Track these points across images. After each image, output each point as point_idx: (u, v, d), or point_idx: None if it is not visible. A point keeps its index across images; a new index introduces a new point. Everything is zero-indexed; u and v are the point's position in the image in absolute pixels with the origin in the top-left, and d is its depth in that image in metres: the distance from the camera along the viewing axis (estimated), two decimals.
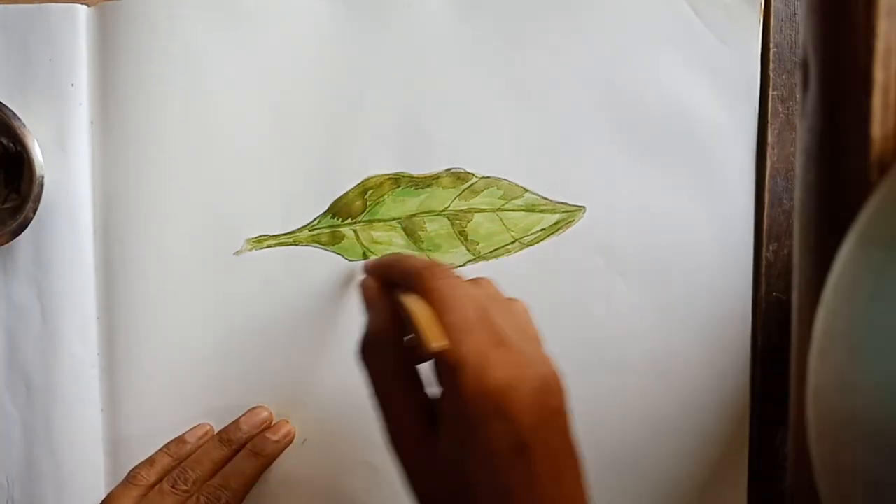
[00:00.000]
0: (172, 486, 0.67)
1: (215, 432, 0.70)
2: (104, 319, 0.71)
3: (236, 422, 0.70)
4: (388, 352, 0.54)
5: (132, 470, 0.68)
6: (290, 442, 0.71)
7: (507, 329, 0.51)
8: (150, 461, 0.69)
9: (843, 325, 0.34)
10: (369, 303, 0.58)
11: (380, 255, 0.65)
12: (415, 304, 0.51)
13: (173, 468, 0.69)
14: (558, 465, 0.49)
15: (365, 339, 0.55)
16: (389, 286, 0.57)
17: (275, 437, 0.70)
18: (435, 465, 0.50)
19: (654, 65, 0.68)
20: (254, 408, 0.70)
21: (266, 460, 0.69)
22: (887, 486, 0.31)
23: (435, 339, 0.48)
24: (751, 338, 0.68)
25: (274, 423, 0.71)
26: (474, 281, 0.56)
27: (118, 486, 0.68)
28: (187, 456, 0.69)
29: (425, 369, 0.53)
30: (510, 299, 0.56)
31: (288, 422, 0.71)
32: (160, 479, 0.68)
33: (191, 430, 0.71)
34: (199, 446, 0.70)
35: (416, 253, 0.69)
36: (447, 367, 0.48)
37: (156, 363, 0.70)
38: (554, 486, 0.48)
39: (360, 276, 0.62)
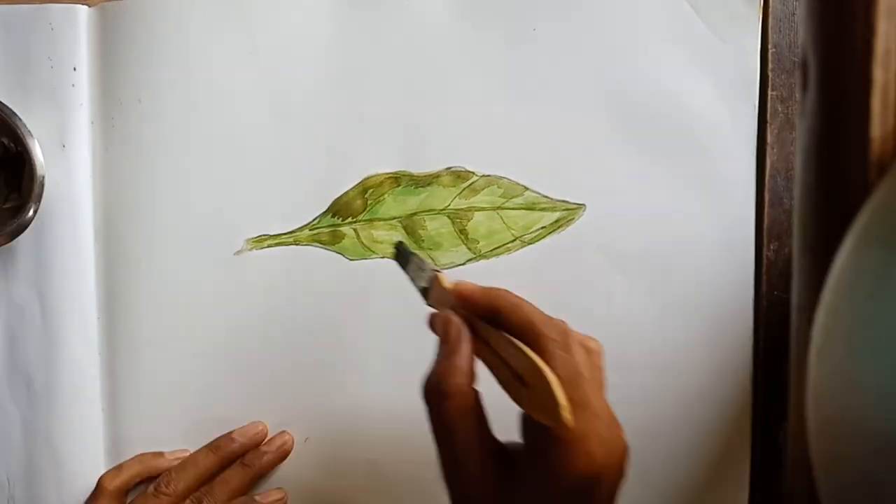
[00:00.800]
0: (155, 490, 0.68)
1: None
2: (104, 319, 0.71)
3: (229, 433, 0.70)
4: (469, 393, 0.51)
5: (100, 477, 0.70)
6: (287, 453, 0.71)
7: (599, 395, 0.51)
8: (118, 467, 0.70)
9: (842, 324, 0.34)
10: (452, 333, 0.52)
11: (464, 282, 0.55)
12: (545, 367, 0.48)
13: (142, 478, 0.70)
14: None
15: (445, 372, 0.51)
16: (474, 316, 0.53)
17: (267, 449, 0.70)
18: (504, 501, 0.50)
19: (654, 63, 0.68)
20: (250, 423, 0.71)
21: (255, 472, 0.69)
22: (887, 485, 0.31)
23: (568, 414, 0.46)
24: (752, 337, 0.68)
25: (272, 434, 0.71)
26: (568, 334, 0.52)
27: (89, 497, 0.70)
28: (160, 469, 0.70)
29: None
30: (588, 342, 0.54)
31: (286, 433, 0.71)
32: (127, 486, 0.70)
33: (171, 451, 0.71)
34: (176, 459, 0.70)
35: (417, 252, 0.69)
36: (557, 438, 0.47)
37: (156, 362, 0.70)
38: None
39: (438, 294, 0.56)
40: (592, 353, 0.53)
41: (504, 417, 0.52)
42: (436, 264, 0.69)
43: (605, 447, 0.48)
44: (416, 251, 0.68)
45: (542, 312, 0.51)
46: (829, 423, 0.34)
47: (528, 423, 0.50)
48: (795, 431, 0.41)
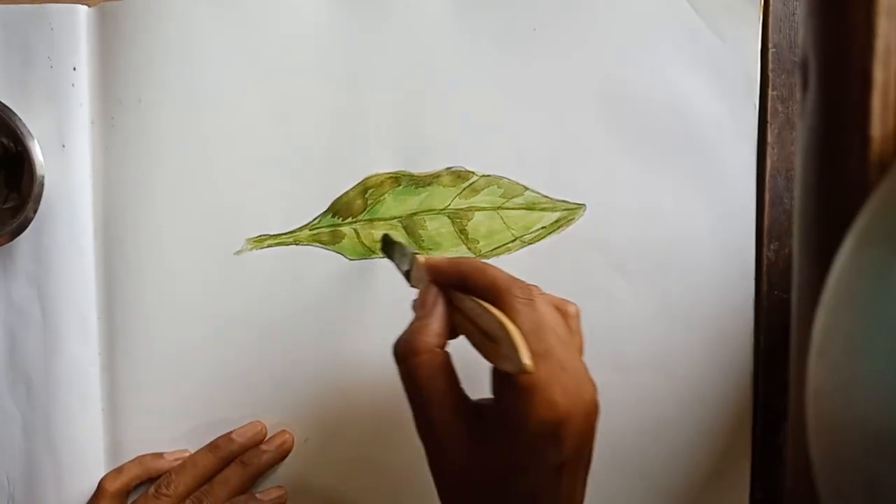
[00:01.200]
0: (156, 491, 0.68)
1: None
2: (104, 319, 0.71)
3: (228, 433, 0.70)
4: (438, 352, 0.54)
5: (100, 479, 0.70)
6: (287, 452, 0.71)
7: (567, 349, 0.53)
8: (118, 469, 0.70)
9: (842, 324, 0.34)
10: (426, 301, 0.57)
11: (437, 256, 0.63)
12: (507, 320, 0.51)
13: (142, 479, 0.70)
14: (580, 477, 0.55)
15: (413, 332, 0.55)
16: (446, 286, 0.57)
17: (267, 448, 0.70)
18: (472, 462, 0.53)
19: (654, 63, 0.68)
20: (249, 422, 0.71)
21: (255, 470, 0.69)
22: (886, 485, 0.31)
23: (527, 359, 0.49)
24: (753, 337, 0.68)
25: (271, 434, 0.71)
26: (535, 293, 0.55)
27: (90, 499, 0.70)
28: (160, 470, 0.70)
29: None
30: (565, 305, 0.57)
31: (286, 432, 0.71)
32: (127, 488, 0.70)
33: (171, 451, 0.71)
34: (175, 460, 0.70)
35: (400, 241, 0.69)
36: (520, 386, 0.50)
37: (156, 362, 0.70)
38: (571, 494, 0.54)
39: (416, 272, 0.60)
40: (569, 316, 0.56)
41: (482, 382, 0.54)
42: None
43: (568, 398, 0.51)
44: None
45: (506, 275, 0.55)
46: (829, 422, 0.34)
47: (496, 376, 0.53)
48: (795, 431, 0.41)
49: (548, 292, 0.56)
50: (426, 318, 0.56)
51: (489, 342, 0.53)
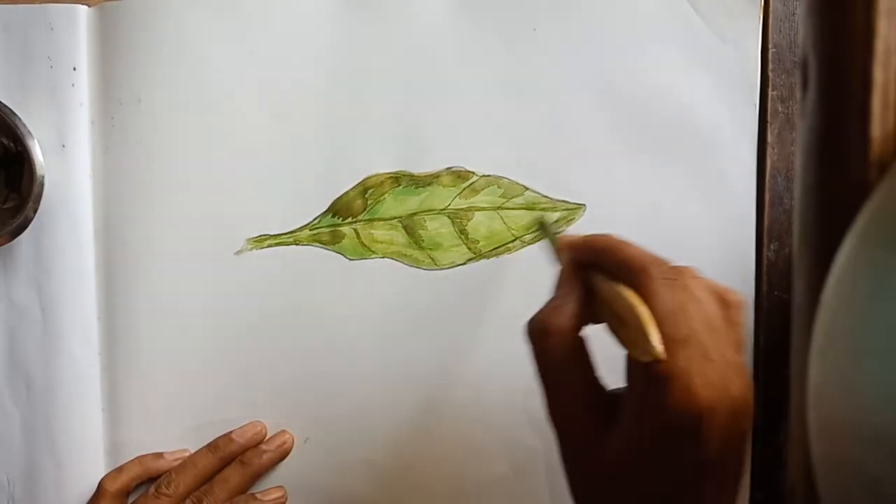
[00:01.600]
0: (156, 491, 0.68)
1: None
2: (105, 319, 0.71)
3: (228, 433, 0.70)
4: (573, 331, 0.51)
5: (101, 479, 0.70)
6: (287, 452, 0.71)
7: (716, 337, 0.48)
8: (118, 469, 0.70)
9: (843, 324, 0.34)
10: (563, 281, 0.53)
11: (574, 236, 0.55)
12: (637, 302, 0.48)
13: (142, 479, 0.70)
14: (726, 483, 0.49)
15: (547, 311, 0.51)
16: (585, 266, 0.53)
17: (267, 448, 0.70)
18: (604, 455, 0.49)
19: (655, 63, 0.68)
20: (249, 422, 0.71)
21: (254, 470, 0.70)
22: (887, 485, 0.31)
23: (657, 345, 0.46)
24: (753, 336, 0.68)
25: (271, 433, 0.71)
26: (686, 275, 0.51)
27: (90, 499, 0.70)
28: (160, 470, 0.70)
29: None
30: (726, 293, 0.51)
31: (286, 432, 0.71)
32: (128, 488, 0.70)
33: (171, 451, 0.71)
34: (176, 460, 0.71)
35: (416, 252, 0.69)
36: (654, 375, 0.46)
37: (156, 362, 0.70)
38: (714, 500, 0.48)
39: (558, 250, 0.56)
40: (730, 305, 0.51)
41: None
42: (436, 264, 0.69)
43: (712, 390, 0.46)
44: (416, 251, 0.68)
45: (644, 253, 0.51)
46: (829, 423, 0.34)
47: (630, 365, 0.49)
48: (796, 431, 0.41)
49: (704, 276, 0.52)
50: (561, 299, 0.51)
51: (620, 326, 0.49)
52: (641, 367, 0.47)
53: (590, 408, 0.50)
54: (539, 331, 0.50)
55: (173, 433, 0.71)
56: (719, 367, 0.47)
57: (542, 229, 0.67)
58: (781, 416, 0.68)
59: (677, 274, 0.49)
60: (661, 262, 0.50)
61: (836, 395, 0.34)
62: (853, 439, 0.33)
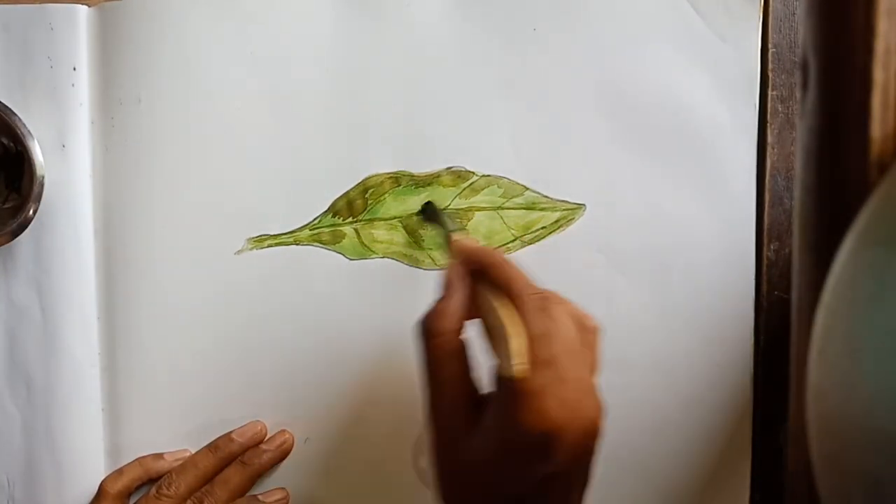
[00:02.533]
0: (157, 492, 0.68)
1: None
2: (105, 319, 0.71)
3: (228, 434, 0.70)
4: (456, 333, 0.55)
5: (101, 481, 0.70)
6: (287, 451, 0.70)
7: (574, 361, 0.52)
8: (119, 471, 0.70)
9: (842, 324, 0.34)
10: (451, 282, 0.57)
11: (470, 239, 0.63)
12: (509, 321, 0.52)
13: (143, 481, 0.70)
14: (575, 494, 0.54)
15: (434, 314, 0.55)
16: (473, 272, 0.57)
17: (267, 448, 0.70)
18: (467, 455, 0.53)
19: (654, 62, 0.68)
20: (249, 422, 0.71)
21: (255, 470, 0.69)
22: (886, 485, 0.31)
23: (516, 365, 0.50)
24: (753, 337, 0.68)
25: (271, 433, 0.71)
26: (553, 300, 0.55)
27: (91, 501, 0.70)
28: (160, 471, 0.70)
29: None
30: (585, 319, 0.55)
31: (286, 431, 0.71)
32: (128, 489, 0.70)
33: (171, 452, 0.71)
34: (176, 461, 0.70)
35: (416, 252, 0.69)
36: (514, 390, 0.50)
37: (156, 362, 0.70)
38: None
39: (450, 248, 0.60)
40: (587, 330, 0.55)
41: None
42: (436, 264, 0.69)
43: (564, 410, 0.50)
44: (416, 251, 0.68)
45: (525, 276, 0.55)
46: (829, 423, 0.34)
47: (494, 374, 0.53)
48: (795, 431, 0.41)
49: (568, 301, 0.55)
50: (447, 300, 0.56)
51: (493, 339, 0.54)
52: (505, 380, 0.51)
53: (461, 408, 0.54)
54: (426, 331, 0.55)
55: (173, 433, 0.71)
56: (574, 389, 0.51)
57: (431, 215, 0.68)
58: (781, 416, 0.68)
59: (545, 301, 0.54)
60: (534, 288, 0.54)
61: (836, 395, 0.34)
62: (853, 439, 0.33)
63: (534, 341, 0.51)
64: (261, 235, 0.69)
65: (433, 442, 0.55)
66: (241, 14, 0.69)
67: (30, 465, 0.71)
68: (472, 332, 0.56)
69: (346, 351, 0.70)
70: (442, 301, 0.56)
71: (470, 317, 0.56)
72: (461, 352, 0.55)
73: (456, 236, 0.60)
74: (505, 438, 0.50)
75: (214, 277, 0.70)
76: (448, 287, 0.57)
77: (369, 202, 0.69)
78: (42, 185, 0.67)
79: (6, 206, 0.69)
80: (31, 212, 0.67)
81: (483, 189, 0.69)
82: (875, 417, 0.31)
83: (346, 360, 0.70)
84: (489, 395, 0.54)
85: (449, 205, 0.69)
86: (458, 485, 0.55)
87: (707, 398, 0.69)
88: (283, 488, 0.70)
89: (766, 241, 0.67)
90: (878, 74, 0.36)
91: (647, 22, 0.68)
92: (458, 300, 0.56)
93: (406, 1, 0.69)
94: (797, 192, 0.41)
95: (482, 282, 0.56)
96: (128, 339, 0.70)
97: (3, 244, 0.68)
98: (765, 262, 0.67)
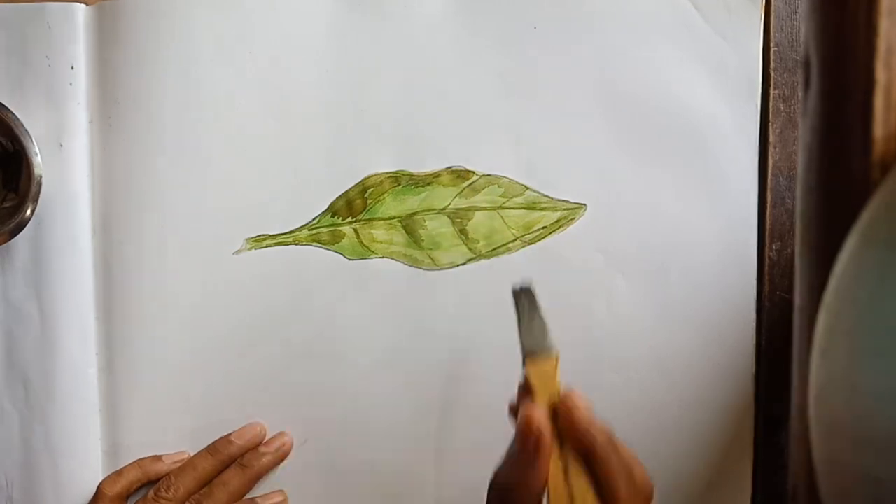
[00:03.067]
0: (155, 494, 0.68)
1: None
2: (102, 319, 0.71)
3: (227, 436, 0.70)
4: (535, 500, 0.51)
5: (99, 483, 0.70)
6: (286, 454, 0.70)
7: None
8: (117, 473, 0.70)
9: (844, 325, 0.34)
10: (533, 450, 0.50)
11: (581, 407, 0.52)
12: None
13: (142, 483, 0.70)
14: None
15: (513, 485, 0.51)
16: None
17: (266, 450, 0.70)
18: None
19: (655, 62, 0.68)
20: (248, 424, 0.70)
21: (254, 472, 0.69)
22: (888, 485, 0.31)
23: None
24: (755, 337, 0.68)
25: (270, 434, 0.71)
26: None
27: (90, 502, 0.70)
28: (159, 473, 0.70)
29: None
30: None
31: (285, 434, 0.70)
32: (127, 492, 0.70)
33: (169, 454, 0.71)
34: (174, 463, 0.70)
35: (416, 252, 0.69)
36: None
37: (154, 363, 0.70)
38: None
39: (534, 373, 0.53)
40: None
41: None
42: (436, 264, 0.69)
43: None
44: (416, 251, 0.68)
45: (623, 471, 0.52)
46: (831, 423, 0.34)
47: None
48: (797, 432, 0.41)
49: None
50: (529, 472, 0.50)
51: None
52: None
53: None
54: (504, 499, 0.51)
55: (171, 434, 0.71)
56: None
57: (525, 303, 0.55)
58: (783, 416, 0.68)
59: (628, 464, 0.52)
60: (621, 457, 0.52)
61: (839, 396, 0.34)
62: (855, 440, 0.33)
63: (622, 482, 0.51)
64: (259, 235, 0.69)
65: None
66: (241, 13, 0.69)
67: (28, 466, 0.71)
68: None
69: (346, 351, 0.70)
70: (525, 469, 0.50)
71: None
72: None
73: (557, 362, 0.53)
74: None
75: (213, 277, 0.70)
76: (529, 449, 0.50)
77: (369, 202, 0.69)
78: (39, 184, 0.67)
79: (3, 205, 0.69)
80: (28, 211, 0.67)
81: (483, 189, 0.69)
82: (877, 418, 0.31)
83: (345, 360, 0.70)
84: None
85: (449, 204, 0.69)
86: None
87: (707, 398, 0.69)
88: (281, 491, 0.70)
89: (768, 240, 0.67)
90: (881, 74, 0.35)
91: (648, 21, 0.68)
92: (542, 470, 0.50)
93: (406, 1, 0.68)
94: (799, 192, 0.41)
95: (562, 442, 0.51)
96: (126, 340, 0.70)
97: (1, 244, 0.68)
98: (767, 261, 0.67)
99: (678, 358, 0.69)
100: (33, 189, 0.67)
